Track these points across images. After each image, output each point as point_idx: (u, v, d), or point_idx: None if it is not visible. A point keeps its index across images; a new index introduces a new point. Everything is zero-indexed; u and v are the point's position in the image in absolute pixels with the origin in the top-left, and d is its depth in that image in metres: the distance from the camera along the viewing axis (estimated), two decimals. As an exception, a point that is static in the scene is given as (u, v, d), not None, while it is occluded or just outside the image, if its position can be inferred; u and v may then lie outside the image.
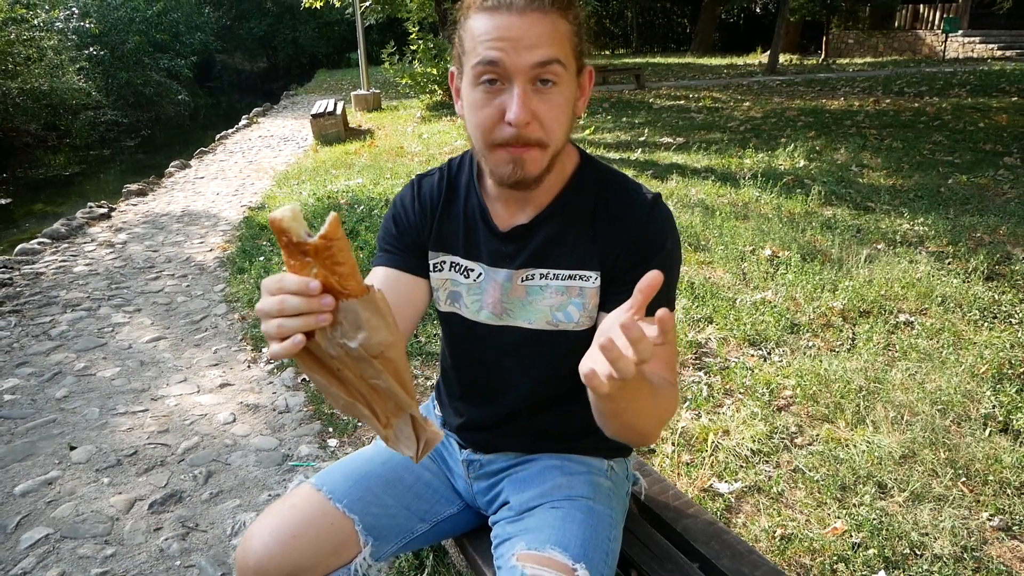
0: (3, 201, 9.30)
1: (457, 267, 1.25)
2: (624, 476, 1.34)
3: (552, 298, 1.18)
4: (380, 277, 1.25)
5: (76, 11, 17.98)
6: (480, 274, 1.23)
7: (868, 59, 20.98)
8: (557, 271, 1.18)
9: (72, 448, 2.80)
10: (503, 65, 1.01)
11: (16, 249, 5.71)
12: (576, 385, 1.19)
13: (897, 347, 3.17)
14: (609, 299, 1.17)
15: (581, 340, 1.17)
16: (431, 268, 1.27)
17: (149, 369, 3.51)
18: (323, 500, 1.25)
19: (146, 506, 2.42)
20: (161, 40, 21.81)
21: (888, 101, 11.15)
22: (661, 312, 0.73)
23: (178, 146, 13.53)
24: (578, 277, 1.17)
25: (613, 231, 1.16)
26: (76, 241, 6.05)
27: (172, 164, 9.91)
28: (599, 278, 1.17)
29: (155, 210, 7.20)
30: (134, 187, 8.23)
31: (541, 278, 1.19)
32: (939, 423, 2.57)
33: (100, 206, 7.27)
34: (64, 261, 5.41)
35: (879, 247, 4.45)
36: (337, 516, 1.24)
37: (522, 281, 1.20)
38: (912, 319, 3.43)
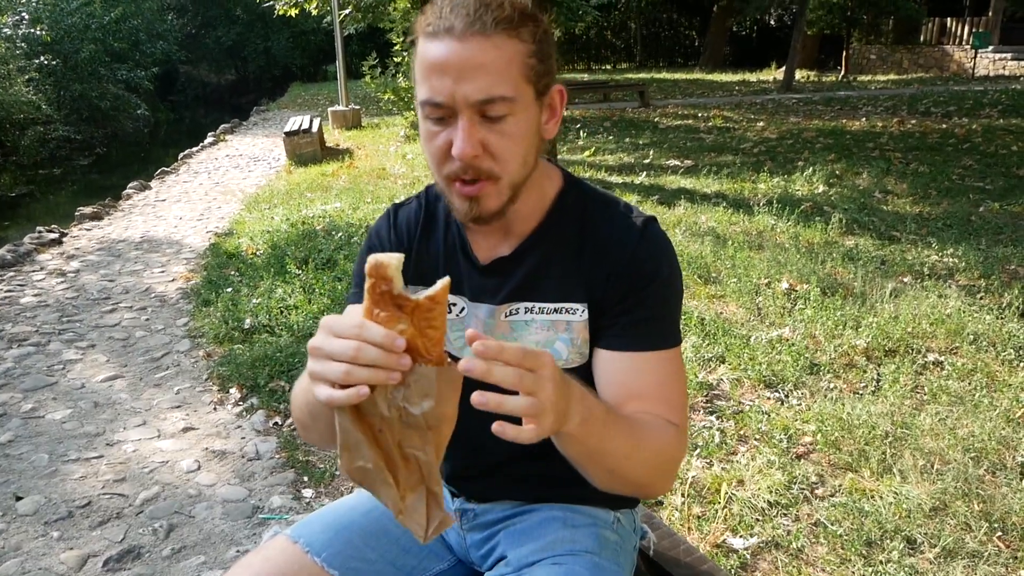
0: (-59, 225, 9.34)
1: None
2: (631, 529, 1.36)
3: (538, 334, 1.20)
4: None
5: (26, 16, 18.15)
6: (463, 308, 1.26)
7: (892, 76, 21.39)
8: (542, 304, 1.20)
9: (18, 498, 2.80)
10: (445, 98, 1.02)
11: (-44, 278, 5.73)
12: None
13: (926, 389, 3.22)
14: (601, 333, 1.18)
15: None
16: None
17: (104, 411, 3.51)
18: (300, 553, 1.25)
19: (100, 563, 2.42)
20: (119, 49, 22.00)
21: (914, 122, 11.36)
22: (469, 331, 0.81)
23: (136, 165, 13.63)
24: (564, 310, 1.19)
25: (599, 259, 1.17)
26: (23, 269, 6.08)
27: (130, 185, 9.97)
28: (586, 311, 1.18)
29: (111, 236, 7.24)
30: (88, 210, 8.28)
31: (526, 312, 1.21)
32: (972, 472, 2.61)
33: (50, 231, 7.31)
34: (10, 291, 5.42)
35: (905, 280, 4.52)
36: (315, 571, 1.24)
37: (505, 316, 1.21)
38: (942, 359, 3.49)
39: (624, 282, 1.15)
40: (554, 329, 1.19)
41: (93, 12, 20.80)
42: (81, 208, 8.39)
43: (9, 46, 16.37)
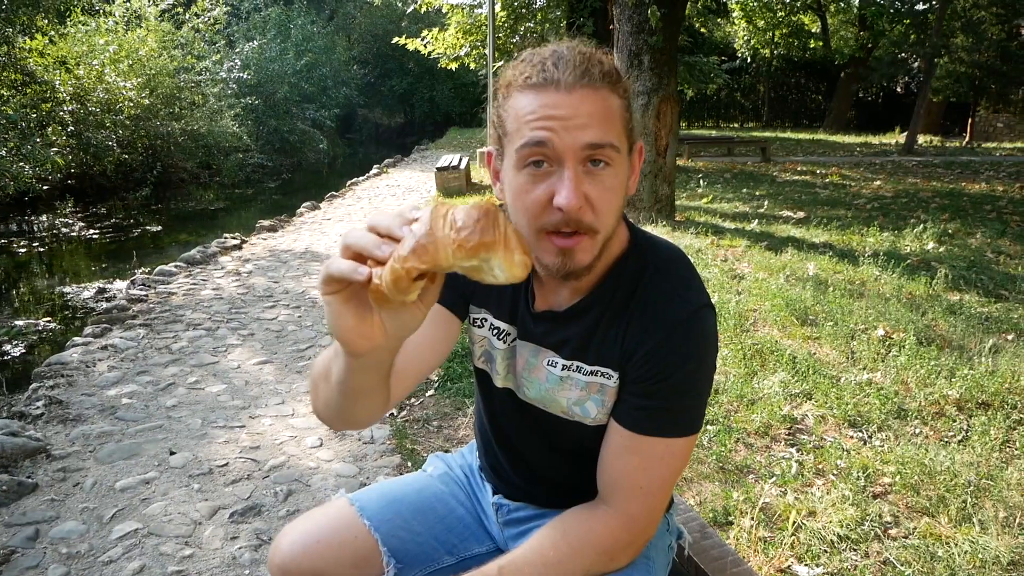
0: (156, 229, 10.20)
1: (495, 330, 1.23)
2: (666, 529, 1.29)
3: (572, 391, 1.14)
4: None
5: (238, 62, 19.71)
6: (514, 340, 1.20)
7: (1019, 144, 19.74)
8: (581, 364, 1.12)
9: (172, 453, 2.99)
10: (552, 147, 0.94)
11: (155, 270, 6.23)
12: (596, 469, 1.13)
13: (1017, 444, 2.90)
14: (619, 401, 1.10)
15: (595, 433, 1.13)
16: (472, 322, 1.27)
17: (252, 389, 3.70)
18: (352, 513, 1.28)
19: (227, 515, 2.54)
20: (309, 92, 23.47)
21: (1037, 188, 10.42)
22: None
23: (314, 190, 14.41)
24: (600, 374, 1.11)
25: (640, 334, 1.07)
26: (207, 268, 6.54)
27: (303, 205, 10.56)
28: (618, 379, 1.10)
29: (281, 246, 7.67)
30: (266, 223, 8.82)
31: (564, 368, 1.14)
32: (1058, 531, 2.32)
33: (233, 237, 7.83)
34: (194, 284, 5.84)
35: (1009, 338, 4.11)
36: (362, 531, 1.26)
37: (547, 364, 1.16)
38: (1039, 417, 3.14)
39: (650, 365, 1.05)
40: (588, 390, 1.12)
41: (289, 59, 22.31)
42: (261, 221, 8.95)
43: (223, 87, 17.81)
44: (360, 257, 0.75)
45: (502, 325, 1.21)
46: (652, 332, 1.05)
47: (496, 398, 1.27)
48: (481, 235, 0.72)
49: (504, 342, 1.21)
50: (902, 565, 2.20)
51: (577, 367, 1.12)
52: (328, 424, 1.04)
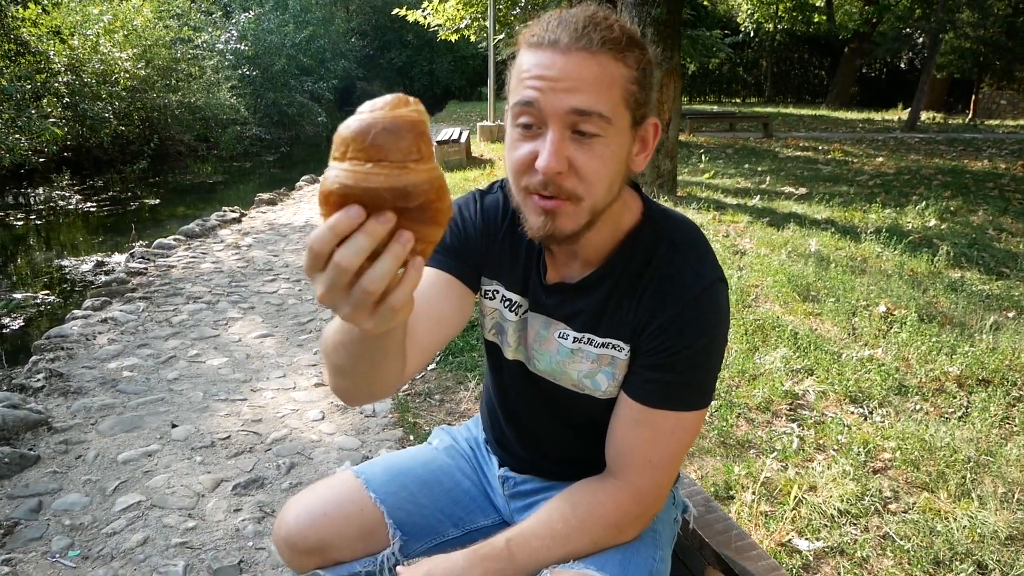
0: (154, 202, 10.15)
1: (507, 301, 1.21)
2: (671, 503, 1.30)
3: (583, 364, 1.13)
4: (429, 278, 1.13)
5: (235, 33, 19.49)
6: (526, 312, 1.19)
7: (1022, 121, 19.63)
8: (593, 337, 1.11)
9: (174, 426, 2.99)
10: (538, 106, 0.93)
11: (154, 243, 6.21)
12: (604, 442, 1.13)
13: (1017, 421, 2.92)
14: (630, 374, 1.10)
15: (605, 406, 1.13)
16: (483, 294, 1.24)
17: (253, 362, 3.70)
18: (358, 486, 1.28)
19: (230, 487, 2.55)
20: (307, 64, 23.22)
21: (1040, 165, 10.38)
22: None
23: (312, 163, 14.33)
24: (611, 346, 1.10)
25: (653, 307, 1.05)
26: (207, 241, 6.53)
27: (302, 178, 10.51)
28: (629, 351, 1.09)
29: (280, 219, 7.65)
30: (265, 196, 8.80)
31: (575, 341, 1.13)
32: (1057, 507, 2.34)
33: (232, 211, 7.80)
34: (194, 258, 5.83)
35: (1010, 315, 4.12)
36: (367, 504, 1.26)
37: (558, 336, 1.15)
38: (1039, 394, 3.15)
39: (662, 338, 1.04)
40: (599, 362, 1.12)
41: (288, 32, 22.06)
42: (260, 194, 8.91)
43: (219, 58, 17.63)
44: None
45: (514, 297, 1.20)
46: (665, 305, 1.04)
47: (506, 370, 1.26)
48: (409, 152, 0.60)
49: (516, 314, 1.20)
50: (901, 539, 2.22)
51: (588, 339, 1.12)
52: (347, 400, 0.96)
